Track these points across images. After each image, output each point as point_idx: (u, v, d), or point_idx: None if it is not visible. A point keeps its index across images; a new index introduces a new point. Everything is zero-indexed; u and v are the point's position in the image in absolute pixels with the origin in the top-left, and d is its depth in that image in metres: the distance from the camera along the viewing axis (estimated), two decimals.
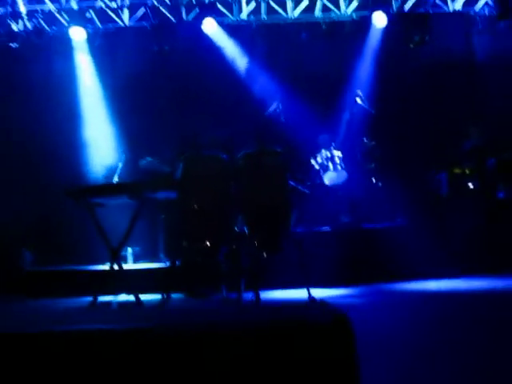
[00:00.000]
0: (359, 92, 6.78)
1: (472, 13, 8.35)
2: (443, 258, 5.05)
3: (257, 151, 3.74)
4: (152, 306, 3.82)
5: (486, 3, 8.19)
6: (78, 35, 7.78)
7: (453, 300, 4.00)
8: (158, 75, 7.86)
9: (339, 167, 6.49)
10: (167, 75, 7.80)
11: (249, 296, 3.57)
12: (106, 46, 8.12)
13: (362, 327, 1.56)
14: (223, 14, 8.05)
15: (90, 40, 8.00)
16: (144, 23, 8.03)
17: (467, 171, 6.03)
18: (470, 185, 5.98)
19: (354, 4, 8.08)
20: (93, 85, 7.95)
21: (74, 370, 1.31)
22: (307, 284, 3.75)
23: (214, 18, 7.68)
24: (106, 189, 4.36)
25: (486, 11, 8.30)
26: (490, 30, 8.35)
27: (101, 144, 7.57)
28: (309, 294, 3.71)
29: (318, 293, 4.27)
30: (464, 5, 8.23)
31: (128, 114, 7.49)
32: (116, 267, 4.11)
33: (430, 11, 8.09)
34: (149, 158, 6.11)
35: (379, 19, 7.87)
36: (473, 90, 7.82)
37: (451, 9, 8.23)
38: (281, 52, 8.10)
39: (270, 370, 1.28)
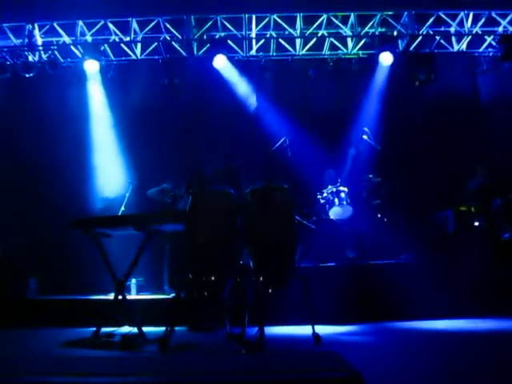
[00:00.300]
0: (366, 129, 6.88)
1: (476, 54, 8.54)
2: (448, 297, 5.00)
3: (264, 187, 3.78)
4: (155, 338, 3.79)
5: (490, 44, 8.38)
6: (91, 67, 8.00)
7: (460, 340, 3.95)
8: (167, 108, 8.04)
9: (345, 202, 6.52)
10: (177, 108, 7.98)
11: (253, 331, 3.55)
12: (118, 78, 8.35)
13: (366, 367, 1.55)
14: (234, 51, 8.28)
15: (103, 71, 8.22)
16: (156, 57, 8.26)
17: (473, 209, 6.04)
18: (476, 223, 5.98)
19: (361, 43, 8.29)
20: (104, 115, 8.11)
21: None
22: (312, 320, 3.73)
23: (224, 54, 7.87)
24: (112, 220, 4.40)
25: (491, 52, 8.48)
26: (494, 70, 8.52)
27: (109, 174, 7.66)
28: (313, 330, 3.68)
29: (322, 329, 4.23)
30: (469, 45, 8.43)
31: (137, 145, 7.62)
32: (120, 297, 4.11)
33: (435, 51, 8.29)
34: (163, 185, 6.17)
35: (385, 57, 8.06)
36: (478, 129, 7.92)
37: (456, 49, 8.42)
38: (288, 87, 8.27)
39: None
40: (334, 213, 6.54)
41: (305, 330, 4.05)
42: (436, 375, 2.69)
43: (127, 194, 6.58)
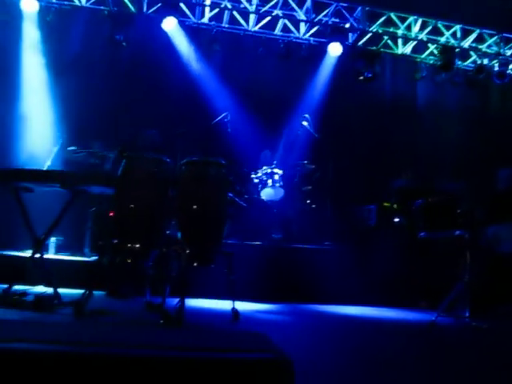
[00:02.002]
0: (307, 115, 6.99)
1: (418, 59, 8.92)
2: (362, 286, 5.32)
3: (200, 160, 3.75)
4: (70, 301, 3.68)
5: (432, 52, 8.78)
6: (29, 6, 7.38)
7: (366, 325, 4.23)
8: (107, 63, 7.63)
9: (277, 185, 6.63)
10: (118, 66, 7.61)
11: (173, 302, 3.55)
12: (57, 23, 7.75)
13: (281, 345, 1.61)
14: (185, 15, 8.01)
15: (42, 14, 7.61)
16: (102, 7, 7.79)
17: (395, 206, 6.41)
18: (396, 219, 6.36)
19: (314, 30, 8.36)
20: (37, 62, 7.55)
21: None
22: (232, 296, 3.80)
23: (175, 17, 7.60)
24: (36, 174, 4.13)
25: (431, 60, 8.91)
26: (432, 78, 8.98)
27: (37, 125, 7.17)
28: (233, 306, 3.77)
29: (242, 306, 4.33)
30: (413, 50, 8.78)
31: (71, 98, 7.17)
32: (37, 256, 3.94)
33: (381, 50, 8.56)
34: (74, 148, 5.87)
35: (335, 48, 8.20)
36: (411, 132, 8.35)
37: (400, 51, 8.75)
38: (236, 63, 8.16)
39: None
40: (266, 194, 6.64)
41: (224, 305, 4.13)
42: (344, 355, 2.88)
43: (55, 149, 6.22)
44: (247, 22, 8.22)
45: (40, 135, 6.96)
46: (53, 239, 5.85)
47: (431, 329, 4.18)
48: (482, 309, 4.35)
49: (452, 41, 8.66)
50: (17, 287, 3.92)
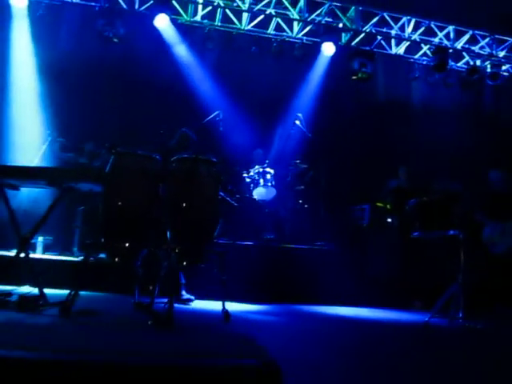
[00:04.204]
0: (300, 115, 6.93)
1: (412, 60, 8.91)
2: (355, 286, 5.26)
3: (192, 158, 3.66)
4: (57, 301, 3.57)
5: (425, 53, 8.77)
6: (19, 1, 7.24)
7: (359, 327, 4.17)
8: (97, 59, 7.49)
9: (269, 184, 6.57)
10: (108, 62, 7.48)
11: (162, 302, 3.46)
12: (47, 19, 7.61)
13: (273, 347, 1.54)
14: (177, 13, 7.92)
15: (32, 9, 7.48)
16: (93, 3, 7.66)
17: (388, 206, 6.37)
18: (389, 219, 6.32)
19: (307, 29, 8.31)
20: (27, 57, 7.41)
21: None
22: (223, 297, 3.72)
23: (167, 14, 7.51)
24: (22, 171, 4.01)
25: (425, 61, 8.90)
26: (425, 78, 8.97)
27: (26, 122, 7.03)
28: (223, 307, 3.68)
29: (233, 306, 4.26)
30: (406, 50, 8.77)
31: (60, 95, 7.06)
32: (23, 255, 3.82)
33: (375, 50, 8.53)
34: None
35: (328, 48, 8.16)
36: (404, 132, 8.32)
37: (394, 52, 8.73)
38: (229, 61, 8.09)
39: None
40: (258, 193, 6.57)
41: (215, 306, 4.04)
42: (336, 356, 2.81)
43: (44, 146, 6.12)
44: (240, 20, 8.15)
45: (29, 133, 6.84)
46: (40, 238, 5.75)
47: (425, 330, 4.13)
48: (477, 309, 4.31)
49: (445, 41, 8.65)
50: (2, 287, 3.82)
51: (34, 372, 1.17)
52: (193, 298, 4.60)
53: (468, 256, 4.20)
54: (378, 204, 6.45)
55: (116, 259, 3.60)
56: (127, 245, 3.50)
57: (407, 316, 4.98)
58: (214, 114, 5.98)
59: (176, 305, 3.92)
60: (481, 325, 4.12)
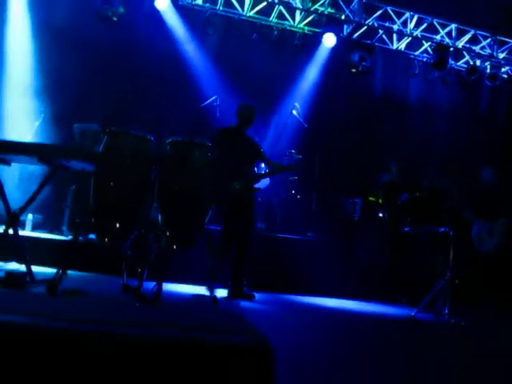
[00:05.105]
0: (297, 104, 6.90)
1: (412, 56, 8.87)
2: (343, 278, 5.28)
3: (187, 140, 3.63)
4: (44, 279, 3.55)
5: (426, 50, 8.74)
6: None
7: (345, 318, 4.19)
8: (95, 38, 7.36)
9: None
10: (107, 40, 7.35)
11: (150, 286, 3.45)
12: None
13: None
14: None
15: None
16: None
17: (380, 201, 6.38)
18: (380, 214, 6.33)
19: (309, 19, 8.24)
20: (22, 31, 7.27)
21: None
22: (212, 282, 3.72)
23: None
24: (14, 146, 3.96)
25: (425, 58, 8.87)
26: (424, 75, 8.95)
27: (19, 98, 6.92)
28: (211, 292, 3.68)
29: (221, 293, 4.26)
30: (407, 46, 8.73)
31: (55, 72, 6.94)
32: (11, 232, 3.78)
33: (376, 44, 8.49)
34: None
35: (329, 39, 8.10)
36: (400, 127, 8.32)
37: (395, 47, 8.69)
38: (229, 47, 8.01)
39: None
40: None
41: (203, 291, 4.04)
42: (322, 345, 2.82)
43: (37, 123, 6.04)
44: (242, 6, 8.06)
45: (22, 109, 6.74)
46: (30, 216, 5.70)
47: (410, 324, 4.17)
48: (463, 305, 4.36)
49: (447, 39, 8.62)
50: None
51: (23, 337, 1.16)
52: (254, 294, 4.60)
53: (456, 253, 4.23)
54: (370, 198, 6.46)
55: (105, 240, 3.58)
56: (117, 225, 3.47)
57: (393, 310, 5.02)
58: (212, 98, 5.93)
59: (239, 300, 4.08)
60: (465, 321, 4.16)
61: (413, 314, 4.26)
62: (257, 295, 4.77)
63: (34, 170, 5.34)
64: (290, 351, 2.55)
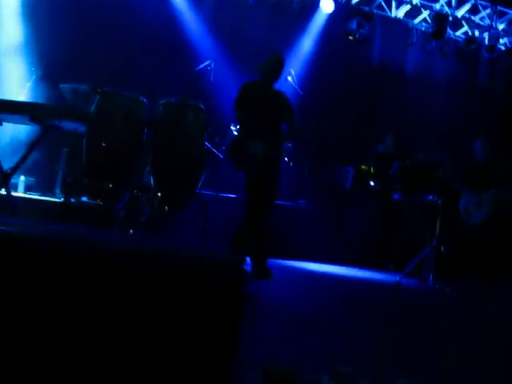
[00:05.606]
0: (291, 71, 6.82)
1: (410, 24, 8.74)
2: (333, 245, 5.38)
3: (179, 102, 3.62)
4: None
5: (425, 19, 8.61)
6: None
7: (336, 282, 4.30)
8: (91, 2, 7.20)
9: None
10: (97, 2, 7.18)
11: None
12: None
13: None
14: None
15: None
16: None
17: (372, 170, 6.41)
18: (371, 183, 6.37)
19: None
20: None
21: None
22: (204, 245, 3.78)
23: None
24: (5, 104, 3.92)
25: (423, 27, 8.74)
26: (422, 45, 8.84)
27: (11, 59, 6.78)
28: None
29: None
30: (406, 14, 8.59)
31: (47, 32, 6.79)
32: (3, 192, 3.80)
33: (375, 11, 8.34)
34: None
35: (327, 4, 7.95)
36: (396, 97, 8.27)
37: (394, 15, 8.55)
38: (225, 11, 7.84)
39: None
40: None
41: None
42: (310, 302, 2.91)
43: (28, 83, 5.96)
44: None
45: (13, 69, 6.63)
46: (22, 178, 5.69)
47: (396, 289, 4.27)
48: (449, 276, 4.45)
49: (446, 8, 8.49)
50: None
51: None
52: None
53: (444, 222, 4.30)
54: (363, 167, 6.49)
55: (98, 200, 3.62)
56: (110, 187, 3.50)
57: (380, 276, 5.14)
58: (206, 63, 5.85)
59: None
60: (450, 289, 4.27)
61: (398, 279, 4.37)
62: (248, 259, 4.85)
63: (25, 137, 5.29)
64: (273, 302, 2.64)
